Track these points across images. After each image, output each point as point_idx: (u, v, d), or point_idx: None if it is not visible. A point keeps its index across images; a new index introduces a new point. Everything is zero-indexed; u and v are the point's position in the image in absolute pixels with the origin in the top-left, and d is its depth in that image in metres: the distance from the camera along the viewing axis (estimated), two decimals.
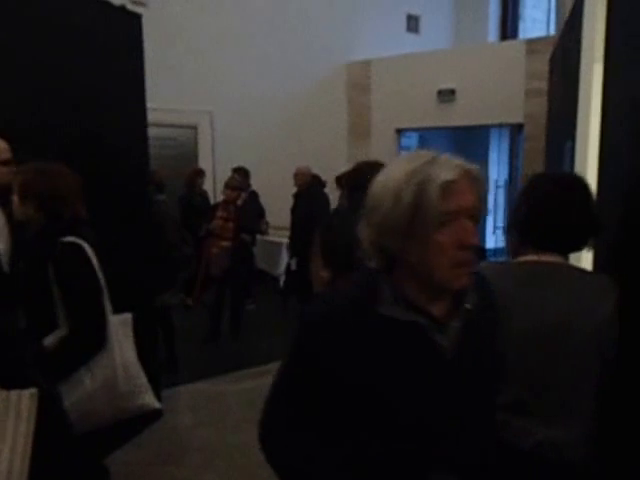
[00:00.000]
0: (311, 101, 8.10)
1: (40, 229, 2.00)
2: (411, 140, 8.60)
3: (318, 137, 8.04)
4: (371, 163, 2.37)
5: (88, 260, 1.95)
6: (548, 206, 1.37)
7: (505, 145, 9.48)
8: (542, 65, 6.64)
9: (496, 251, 8.89)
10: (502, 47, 7.47)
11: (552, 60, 4.75)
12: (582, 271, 1.45)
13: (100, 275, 2.01)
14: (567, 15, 3.71)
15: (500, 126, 7.39)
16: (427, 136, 9.03)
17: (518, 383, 1.33)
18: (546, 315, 1.32)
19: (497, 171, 9.57)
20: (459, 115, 7.43)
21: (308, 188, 5.59)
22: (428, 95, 7.56)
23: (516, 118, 7.01)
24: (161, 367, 4.01)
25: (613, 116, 1.88)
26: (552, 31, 10.94)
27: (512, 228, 1.50)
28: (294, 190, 5.78)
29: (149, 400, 2.08)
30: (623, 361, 1.43)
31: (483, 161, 9.45)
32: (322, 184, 5.79)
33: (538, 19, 10.55)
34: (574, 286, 1.36)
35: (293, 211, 5.70)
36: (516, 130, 7.37)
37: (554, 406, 1.35)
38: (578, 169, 2.88)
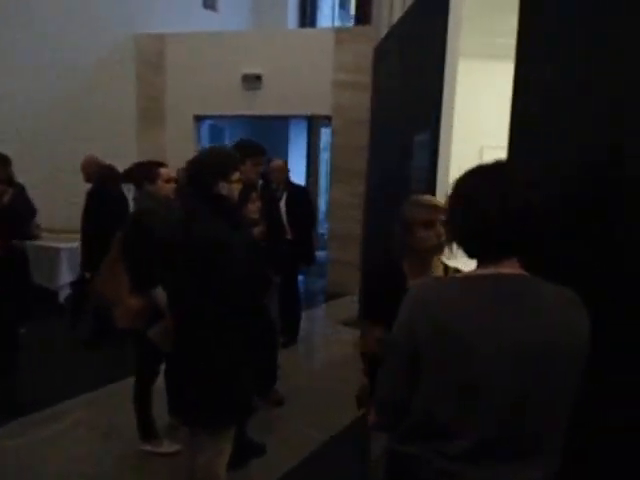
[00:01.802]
0: (93, 78, 6.88)
1: None
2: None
3: (103, 122, 6.88)
4: None
5: None
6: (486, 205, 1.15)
7: (310, 138, 9.36)
8: (351, 57, 6.54)
9: None
10: (311, 34, 7.19)
11: (379, 50, 4.53)
12: (547, 283, 1.19)
13: None
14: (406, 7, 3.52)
15: (309, 118, 7.11)
16: (221, 125, 8.42)
17: (483, 419, 1.13)
18: (523, 337, 1.12)
19: (298, 164, 9.37)
20: (265, 103, 6.95)
21: (103, 183, 4.53)
22: (232, 80, 6.91)
23: (324, 110, 6.79)
24: None
25: (522, 114, 1.72)
26: (336, 23, 11.29)
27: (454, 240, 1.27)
28: (75, 182, 4.86)
29: None
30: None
31: (283, 153, 9.19)
32: (117, 178, 4.76)
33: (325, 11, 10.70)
34: (549, 302, 1.15)
35: (86, 212, 4.58)
36: (317, 122, 7.20)
37: (527, 443, 1.16)
38: (442, 163, 2.68)
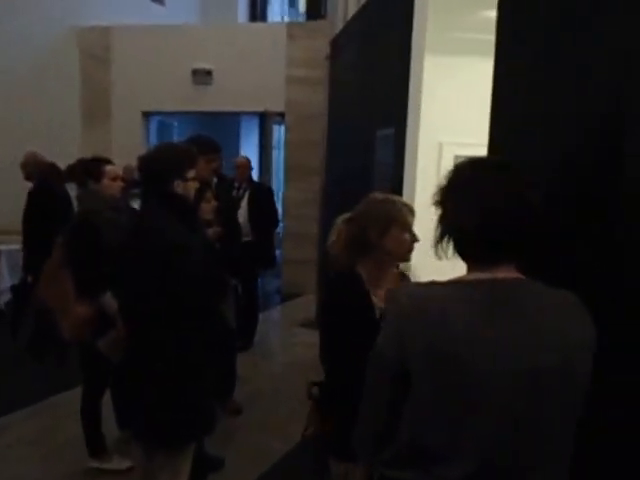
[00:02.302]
0: (35, 73, 6.51)
1: None
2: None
3: (46, 119, 6.52)
4: None
5: None
6: (491, 203, 1.04)
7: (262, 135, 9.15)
8: (304, 52, 6.42)
9: None
10: (263, 29, 7.02)
11: (336, 44, 4.43)
12: (547, 288, 1.09)
13: None
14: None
15: (262, 114, 6.95)
16: (170, 122, 8.14)
17: (484, 441, 1.02)
18: (524, 353, 1.01)
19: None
20: (216, 99, 6.75)
21: (44, 181, 4.26)
22: (181, 75, 6.68)
23: (277, 106, 6.65)
24: None
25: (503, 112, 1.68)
26: (286, 19, 11.15)
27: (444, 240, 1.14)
28: (16, 180, 4.54)
29: None
30: None
31: (234, 151, 8.98)
32: (61, 177, 4.49)
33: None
34: (551, 312, 1.05)
35: (27, 211, 4.30)
36: (270, 119, 7.04)
37: (529, 462, 1.05)
38: (409, 160, 2.62)
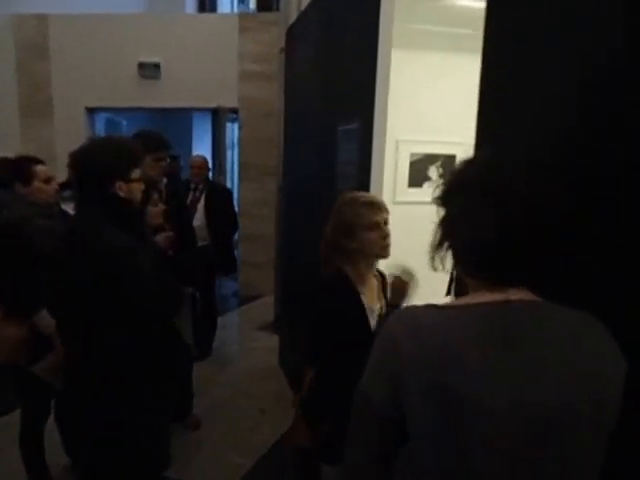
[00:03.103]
0: None
1: None
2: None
3: None
4: None
5: None
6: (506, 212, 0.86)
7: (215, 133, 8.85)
8: (257, 45, 6.19)
9: None
10: (214, 20, 6.70)
11: (291, 35, 4.22)
12: (567, 312, 0.91)
13: None
14: None
15: (214, 110, 6.66)
16: (118, 118, 7.73)
17: None
18: (543, 394, 0.83)
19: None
20: (165, 95, 6.42)
21: None
22: (127, 68, 6.31)
23: (230, 102, 6.39)
24: None
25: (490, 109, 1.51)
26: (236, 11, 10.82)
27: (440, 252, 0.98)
28: None
29: None
30: None
31: (186, 149, 8.65)
32: None
33: None
34: (573, 343, 0.86)
35: None
36: (223, 116, 6.76)
37: None
38: (376, 157, 2.48)
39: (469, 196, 0.90)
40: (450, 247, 0.95)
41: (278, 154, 5.43)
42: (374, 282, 1.95)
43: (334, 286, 1.85)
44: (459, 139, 4.23)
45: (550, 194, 0.86)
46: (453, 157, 4.24)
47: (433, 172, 4.25)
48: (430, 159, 4.17)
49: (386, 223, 1.87)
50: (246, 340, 5.10)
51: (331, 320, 1.79)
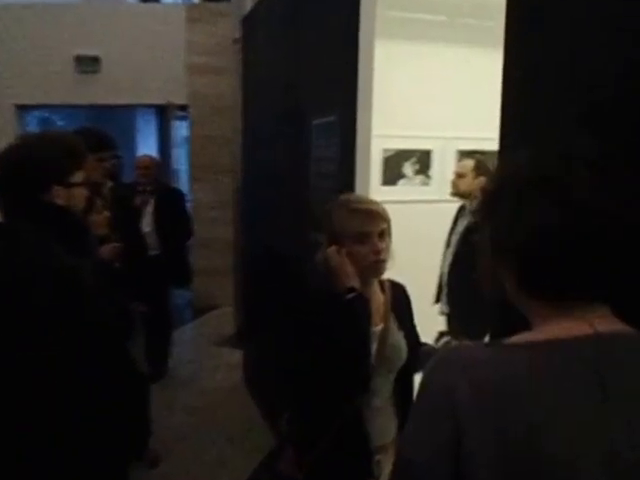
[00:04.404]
0: None
1: None
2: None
3: None
4: None
5: None
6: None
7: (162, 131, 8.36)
8: (206, 37, 5.79)
9: None
10: (159, 10, 6.26)
11: (247, 24, 3.87)
12: None
13: None
14: None
15: (161, 108, 6.23)
16: (52, 117, 7.18)
17: None
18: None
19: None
20: (105, 91, 5.95)
21: None
22: (62, 62, 5.81)
23: (178, 98, 5.96)
24: None
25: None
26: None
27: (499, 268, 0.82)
28: None
29: None
30: None
31: (130, 149, 8.12)
32: None
33: None
34: None
35: None
36: (171, 113, 6.32)
37: None
38: (361, 150, 2.20)
39: (528, 197, 0.75)
40: (502, 264, 0.79)
41: (234, 152, 5.06)
42: (378, 298, 1.63)
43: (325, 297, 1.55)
44: (436, 133, 4.00)
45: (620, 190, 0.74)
46: (428, 152, 4.01)
47: (408, 169, 3.98)
48: (404, 155, 3.91)
49: (383, 235, 1.53)
50: (205, 357, 4.69)
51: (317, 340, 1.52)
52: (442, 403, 0.73)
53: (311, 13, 2.71)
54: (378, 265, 1.53)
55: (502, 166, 0.86)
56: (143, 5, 6.30)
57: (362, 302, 1.49)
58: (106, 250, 2.35)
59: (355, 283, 1.49)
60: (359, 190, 2.21)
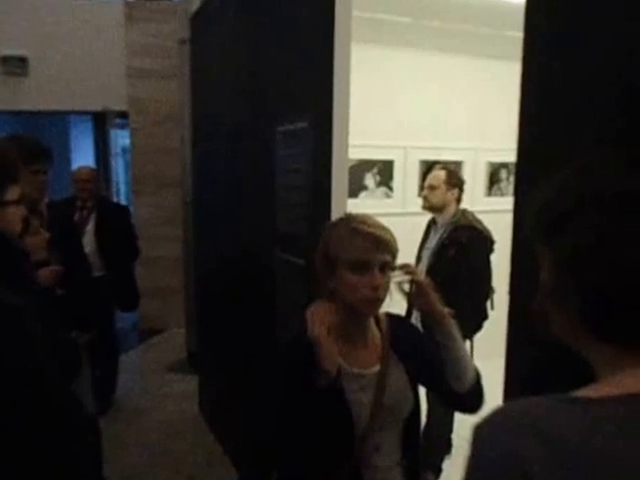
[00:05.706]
0: None
1: None
2: None
3: None
4: None
5: None
6: None
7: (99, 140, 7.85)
8: (149, 38, 5.43)
9: None
10: (95, 9, 5.80)
11: (197, 24, 3.59)
12: None
13: None
14: None
15: (98, 115, 5.80)
16: None
17: None
18: None
19: None
20: (34, 95, 5.50)
21: None
22: None
23: (117, 104, 5.57)
24: None
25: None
26: None
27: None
28: None
29: None
30: None
31: (63, 160, 7.57)
32: None
33: None
34: None
35: None
36: (110, 121, 5.91)
37: None
38: (337, 160, 1.99)
39: (602, 214, 0.63)
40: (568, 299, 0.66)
41: (181, 163, 4.73)
42: (372, 334, 1.38)
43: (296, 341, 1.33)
44: (400, 142, 3.85)
45: None
46: (391, 163, 3.84)
47: (370, 180, 3.81)
48: (366, 166, 3.73)
49: (384, 268, 1.27)
50: (155, 385, 4.30)
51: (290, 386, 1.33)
52: (508, 476, 0.58)
53: (274, 9, 2.47)
54: (372, 303, 1.28)
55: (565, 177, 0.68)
56: (77, 1, 5.86)
57: (335, 395, 1.25)
58: (45, 274, 2.11)
59: (333, 369, 1.22)
60: (336, 205, 1.97)
